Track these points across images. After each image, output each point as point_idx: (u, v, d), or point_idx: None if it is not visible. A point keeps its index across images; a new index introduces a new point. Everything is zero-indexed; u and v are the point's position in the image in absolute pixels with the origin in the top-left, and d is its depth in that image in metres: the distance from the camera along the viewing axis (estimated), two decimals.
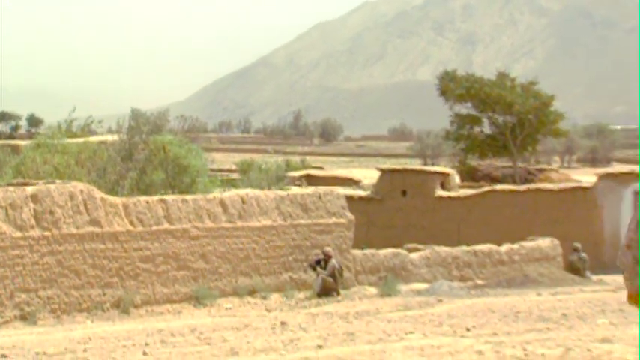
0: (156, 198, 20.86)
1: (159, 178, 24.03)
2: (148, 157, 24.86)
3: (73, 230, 18.64)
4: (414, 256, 26.56)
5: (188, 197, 21.58)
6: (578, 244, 27.83)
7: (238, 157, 70.16)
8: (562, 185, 36.70)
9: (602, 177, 34.51)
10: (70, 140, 25.69)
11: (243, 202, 22.21)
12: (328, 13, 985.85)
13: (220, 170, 57.13)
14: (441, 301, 18.85)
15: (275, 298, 21.50)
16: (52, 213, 18.40)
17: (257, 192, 23.84)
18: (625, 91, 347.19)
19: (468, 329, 13.00)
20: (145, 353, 12.35)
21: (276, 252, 22.62)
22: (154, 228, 19.98)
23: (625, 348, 9.89)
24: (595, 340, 10.62)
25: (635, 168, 36.37)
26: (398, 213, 35.69)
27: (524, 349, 10.23)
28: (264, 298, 21.29)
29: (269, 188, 27.30)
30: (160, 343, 13.53)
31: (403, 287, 23.38)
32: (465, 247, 27.88)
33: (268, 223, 22.50)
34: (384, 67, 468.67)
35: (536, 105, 50.22)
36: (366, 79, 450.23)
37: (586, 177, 42.53)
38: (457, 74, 52.99)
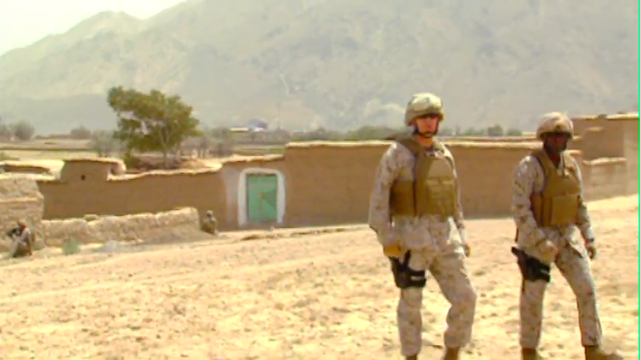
0: None
1: None
2: None
3: None
4: (91, 223, 25.75)
5: None
6: (210, 211, 28.25)
7: None
8: (198, 170, 37.09)
9: (226, 164, 35.25)
10: None
11: None
12: (21, 42, 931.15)
13: None
14: (110, 255, 18.29)
15: None
16: None
17: None
18: (240, 103, 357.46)
19: (130, 275, 12.71)
20: None
21: None
22: None
23: (239, 282, 10.16)
24: (219, 278, 10.79)
25: (246, 158, 37.40)
26: (79, 192, 34.34)
27: (170, 287, 10.18)
28: None
29: None
30: None
31: (83, 247, 22.50)
32: (129, 216, 27.38)
33: None
34: (67, 84, 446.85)
35: (179, 113, 50.98)
36: (53, 92, 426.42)
37: (215, 164, 43.30)
38: (122, 90, 52.57)
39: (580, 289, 5.31)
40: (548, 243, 5.26)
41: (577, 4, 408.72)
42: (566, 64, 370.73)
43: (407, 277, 5.06)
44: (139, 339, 7.12)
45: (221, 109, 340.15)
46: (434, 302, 7.75)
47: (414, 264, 5.07)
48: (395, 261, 5.10)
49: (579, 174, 5.52)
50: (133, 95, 51.65)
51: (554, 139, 5.36)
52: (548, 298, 7.66)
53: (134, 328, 7.58)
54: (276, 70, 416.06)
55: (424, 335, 6.55)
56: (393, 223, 5.17)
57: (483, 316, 7.03)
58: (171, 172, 36.25)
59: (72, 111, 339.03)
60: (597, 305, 5.32)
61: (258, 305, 8.33)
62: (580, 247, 5.41)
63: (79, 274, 13.70)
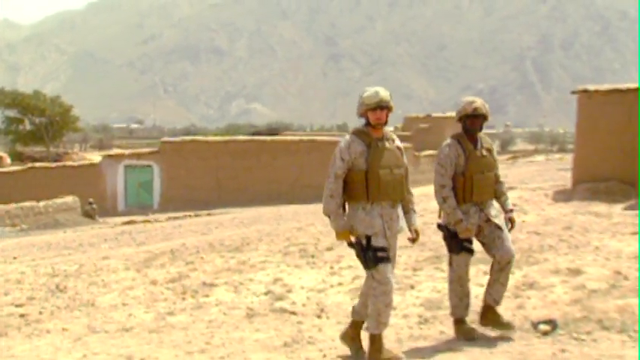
0: None
1: None
2: None
3: None
4: None
5: None
6: (91, 199, 27.11)
7: None
8: (80, 162, 35.47)
9: (105, 157, 33.89)
10: None
11: None
12: None
13: None
14: None
15: None
16: None
17: None
18: (119, 103, 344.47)
19: (14, 258, 11.95)
20: None
21: None
22: None
23: (117, 262, 9.78)
24: (99, 258, 10.34)
25: (124, 151, 36.14)
26: None
27: (53, 268, 9.67)
28: None
29: None
30: None
31: None
32: (14, 204, 25.72)
33: None
34: None
35: (61, 111, 49.13)
36: None
37: (95, 157, 41.55)
38: (5, 90, 50.07)
39: (502, 258, 5.11)
40: (465, 224, 5.05)
41: (406, 21, 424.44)
42: (399, 72, 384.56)
43: (373, 255, 4.61)
44: (22, 315, 6.76)
45: (101, 107, 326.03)
46: (290, 275, 7.83)
47: (377, 241, 4.63)
48: (359, 245, 4.67)
49: (495, 154, 5.31)
50: (16, 94, 49.19)
51: (471, 121, 5.14)
52: None
53: (18, 306, 7.18)
54: (150, 74, 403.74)
55: (280, 303, 6.61)
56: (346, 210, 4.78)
57: (331, 285, 7.17)
58: (54, 165, 34.39)
59: None
60: (509, 274, 5.20)
61: (135, 282, 8.08)
62: (500, 220, 5.20)
63: None
